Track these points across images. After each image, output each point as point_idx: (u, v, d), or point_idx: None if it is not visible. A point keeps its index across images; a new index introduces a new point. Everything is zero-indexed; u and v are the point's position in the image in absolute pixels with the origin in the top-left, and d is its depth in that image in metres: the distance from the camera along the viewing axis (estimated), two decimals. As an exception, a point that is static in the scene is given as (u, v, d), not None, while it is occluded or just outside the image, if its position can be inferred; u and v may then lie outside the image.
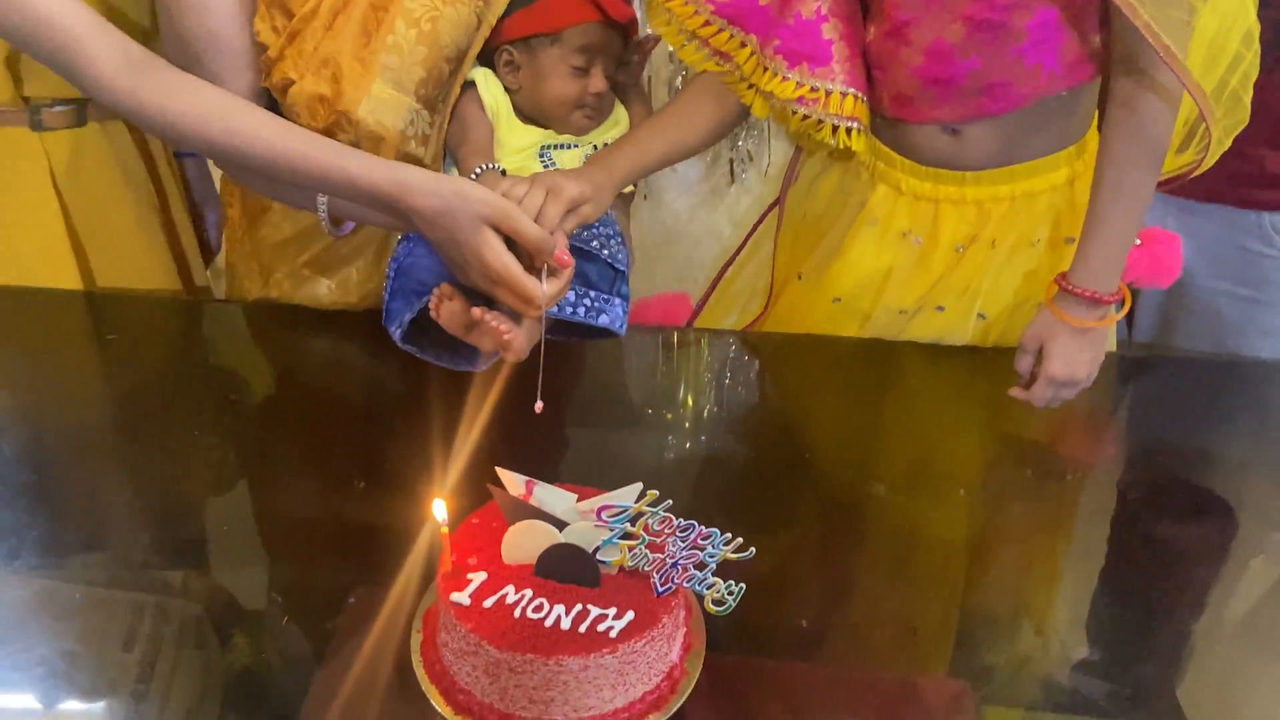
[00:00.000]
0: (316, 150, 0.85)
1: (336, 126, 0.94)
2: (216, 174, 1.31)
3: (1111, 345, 1.10)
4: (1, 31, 0.86)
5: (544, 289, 0.82)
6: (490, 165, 0.97)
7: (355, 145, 0.92)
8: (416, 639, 0.72)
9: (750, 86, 1.01)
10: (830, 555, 0.89)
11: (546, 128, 1.02)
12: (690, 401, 1.08)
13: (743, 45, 1.00)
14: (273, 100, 0.96)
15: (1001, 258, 1.05)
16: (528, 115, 1.02)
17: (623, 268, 0.99)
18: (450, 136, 1.00)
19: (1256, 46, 0.93)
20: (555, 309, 0.92)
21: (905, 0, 0.95)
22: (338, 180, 0.85)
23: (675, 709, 0.68)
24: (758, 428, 1.05)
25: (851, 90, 0.99)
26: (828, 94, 0.98)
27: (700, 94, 1.04)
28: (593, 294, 0.97)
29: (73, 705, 0.71)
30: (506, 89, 1.01)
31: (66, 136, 1.11)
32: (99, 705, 0.71)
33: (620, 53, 1.03)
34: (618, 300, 0.99)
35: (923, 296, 1.08)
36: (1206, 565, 0.89)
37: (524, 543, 0.69)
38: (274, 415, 1.03)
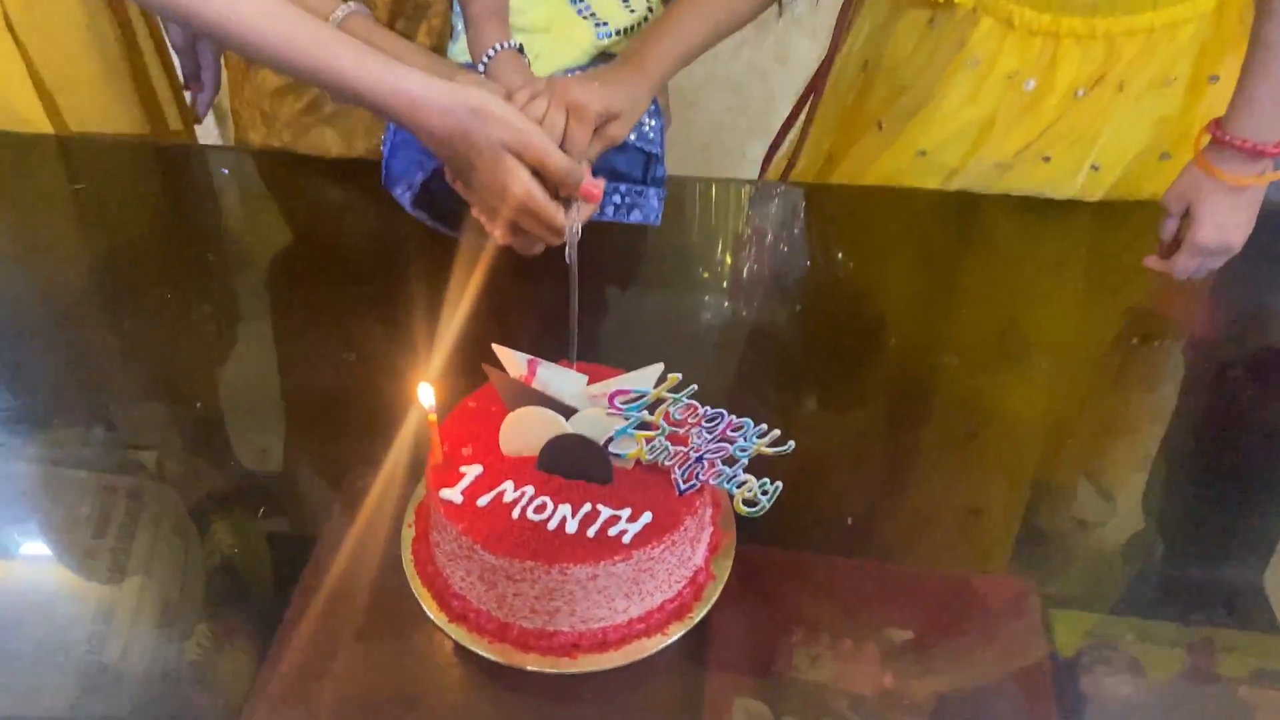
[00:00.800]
0: (303, 41, 0.73)
1: None
2: None
3: None
4: None
5: (571, 226, 0.72)
6: (508, 44, 0.82)
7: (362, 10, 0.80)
8: (408, 535, 0.66)
9: None
10: (882, 439, 0.81)
11: None
12: (725, 266, 0.98)
13: None
14: None
15: (1128, 101, 0.91)
16: None
17: (656, 149, 0.88)
18: None
19: None
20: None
21: None
22: (328, 81, 0.74)
23: (699, 618, 0.62)
24: (807, 297, 0.95)
25: None
26: None
27: None
28: (623, 188, 0.87)
29: (38, 595, 0.67)
30: None
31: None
32: (67, 594, 0.67)
33: None
34: (651, 190, 0.88)
35: (1026, 145, 0.95)
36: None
37: (525, 432, 0.62)
38: (255, 278, 0.95)
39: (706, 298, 0.94)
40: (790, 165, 1.11)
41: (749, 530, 0.66)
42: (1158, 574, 0.71)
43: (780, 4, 0.91)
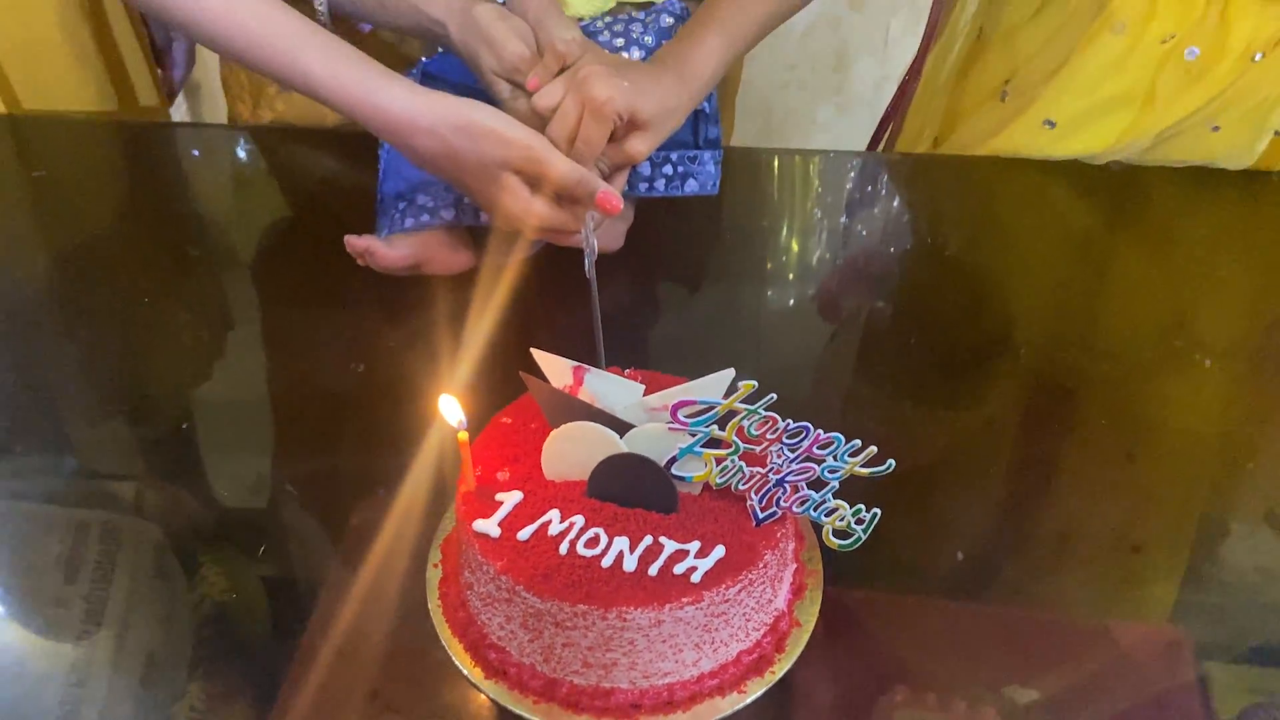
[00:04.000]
0: (271, 38, 0.77)
1: None
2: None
3: None
4: None
5: (589, 240, 0.72)
6: None
7: None
8: (434, 575, 0.67)
9: None
10: (1007, 458, 0.80)
11: None
12: (807, 253, 0.98)
13: None
14: None
15: None
16: None
17: (707, 106, 0.88)
18: None
19: None
20: (627, 187, 0.84)
21: None
22: (299, 85, 0.77)
23: (782, 672, 0.62)
24: (913, 288, 0.95)
25: None
26: None
27: None
28: (674, 155, 0.88)
29: (2, 652, 0.69)
30: None
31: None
32: (36, 651, 0.69)
33: None
34: (707, 154, 0.90)
35: (1191, 114, 0.95)
36: None
37: (571, 452, 0.62)
38: (244, 276, 0.96)
39: (784, 292, 0.94)
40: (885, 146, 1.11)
41: (840, 568, 0.66)
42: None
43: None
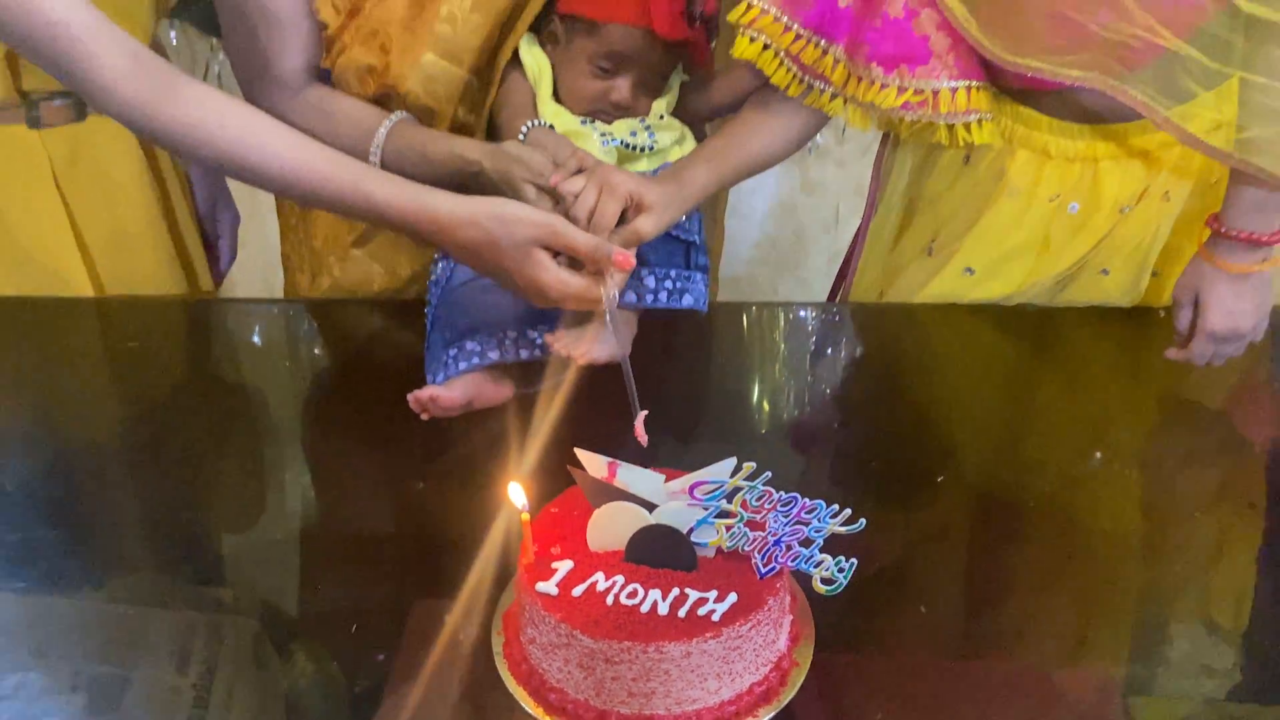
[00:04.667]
0: (337, 172, 0.95)
1: (386, 97, 1.05)
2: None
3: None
4: (7, 36, 0.97)
5: (609, 295, 0.91)
6: (537, 122, 1.07)
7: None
8: (498, 642, 0.81)
9: (845, 100, 1.06)
10: (955, 532, 0.97)
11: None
12: (788, 378, 1.17)
13: (834, 61, 1.04)
14: (326, 74, 1.09)
15: (1176, 208, 1.11)
16: (559, 97, 1.12)
17: (696, 238, 1.09)
18: (495, 104, 1.11)
19: None
20: (634, 298, 1.04)
21: None
22: (359, 207, 0.95)
23: (787, 701, 0.77)
24: (869, 416, 1.14)
25: (963, 83, 1.02)
26: (935, 94, 1.02)
27: (775, 106, 1.10)
28: (673, 273, 1.08)
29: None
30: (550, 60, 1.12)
31: (66, 133, 1.22)
32: (157, 732, 0.81)
33: (666, 72, 1.12)
34: (698, 275, 1.09)
35: (1081, 260, 1.15)
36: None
37: (611, 527, 0.78)
38: (321, 415, 1.13)
39: (775, 416, 1.12)
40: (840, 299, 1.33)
41: (827, 625, 0.81)
42: (1240, 670, 0.85)
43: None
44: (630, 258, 0.94)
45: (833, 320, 1.30)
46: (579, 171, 1.00)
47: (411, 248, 1.21)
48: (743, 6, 1.04)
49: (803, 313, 1.29)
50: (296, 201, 1.12)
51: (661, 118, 1.13)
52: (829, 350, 1.24)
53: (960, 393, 1.17)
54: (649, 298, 1.07)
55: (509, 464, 0.94)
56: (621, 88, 1.08)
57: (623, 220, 0.99)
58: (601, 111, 1.10)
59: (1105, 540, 0.96)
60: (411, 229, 0.95)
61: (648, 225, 0.99)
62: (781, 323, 1.27)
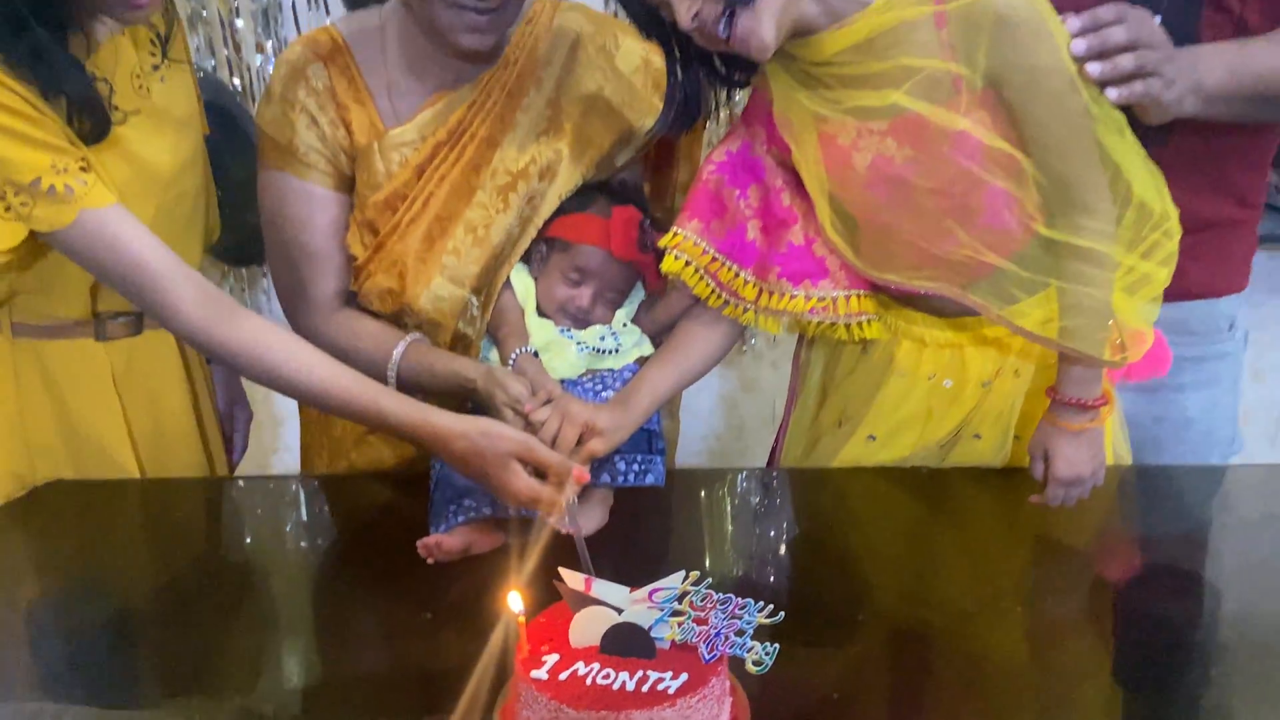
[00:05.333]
0: (359, 390, 1.23)
1: (402, 313, 1.34)
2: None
3: (1125, 459, 1.45)
4: (99, 272, 1.25)
5: (568, 502, 1.16)
6: (524, 349, 1.35)
7: (418, 329, 1.33)
8: (498, 728, 1.01)
9: (759, 313, 1.34)
10: (872, 661, 1.17)
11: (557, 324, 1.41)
12: (734, 532, 1.40)
13: (744, 281, 1.33)
14: (353, 296, 1.38)
15: (1024, 383, 1.40)
16: (541, 311, 1.41)
17: (656, 427, 1.36)
18: (491, 320, 1.39)
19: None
20: (608, 477, 1.30)
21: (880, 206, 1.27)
22: (374, 418, 1.23)
23: (730, 765, 0.97)
24: (799, 549, 1.38)
25: (854, 291, 1.33)
26: (834, 300, 1.32)
27: (703, 324, 1.39)
28: (639, 458, 1.34)
29: None
30: (533, 276, 1.42)
31: (124, 345, 1.48)
32: None
33: (624, 287, 1.42)
34: (658, 458, 1.36)
35: (958, 427, 1.42)
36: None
37: (588, 627, 1.00)
38: (342, 567, 1.34)
39: (719, 562, 1.34)
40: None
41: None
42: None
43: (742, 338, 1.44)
44: (585, 473, 1.19)
45: (768, 483, 1.55)
46: (548, 401, 1.27)
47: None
48: (671, 232, 1.34)
49: (743, 477, 1.54)
50: (323, 410, 1.38)
51: (625, 325, 1.42)
52: (764, 507, 1.49)
53: (871, 541, 1.41)
54: (620, 478, 1.33)
55: (504, 590, 1.15)
56: (585, 295, 1.38)
57: (583, 439, 1.26)
58: (573, 316, 1.38)
59: (995, 664, 1.15)
60: (415, 438, 1.22)
61: (600, 446, 1.26)
62: (726, 485, 1.52)
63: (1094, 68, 1.14)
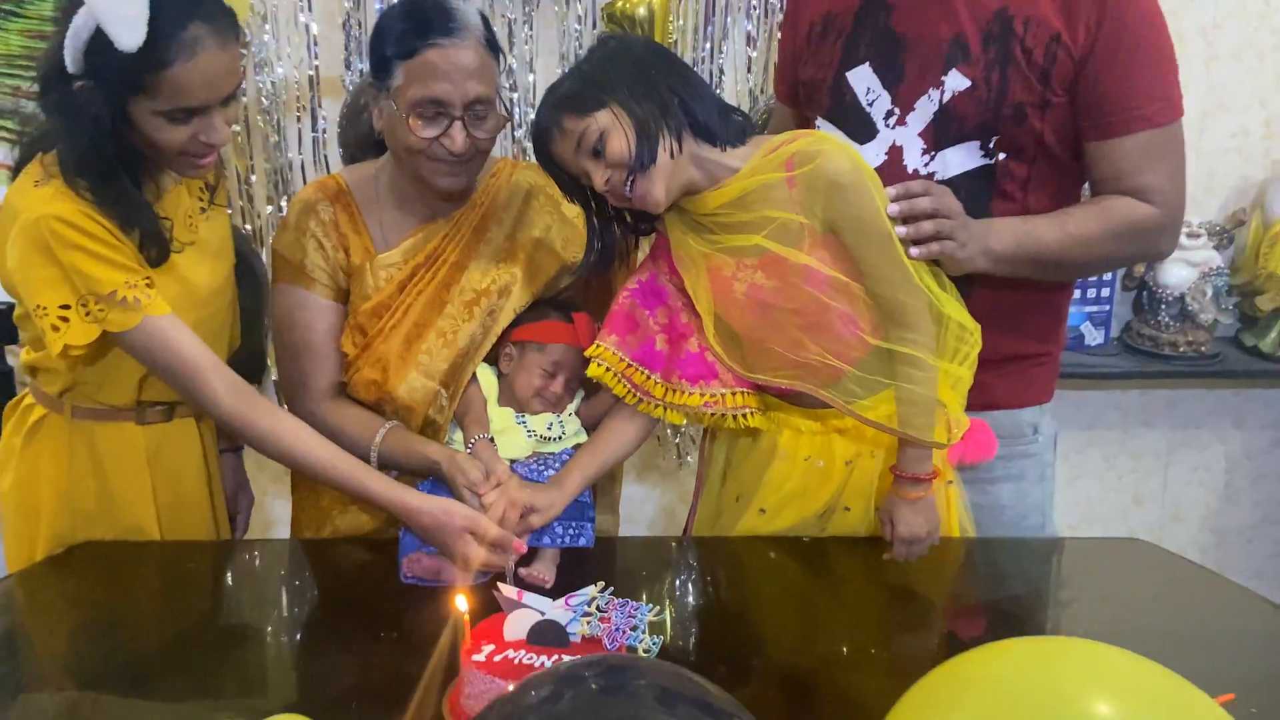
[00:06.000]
0: (349, 469, 1.60)
1: (383, 401, 1.68)
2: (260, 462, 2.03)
3: (970, 532, 1.78)
4: (152, 365, 1.61)
5: (512, 570, 1.52)
6: (481, 436, 1.70)
7: (396, 415, 1.69)
8: (445, 704, 1.31)
9: (666, 407, 1.65)
10: (767, 704, 1.39)
11: (519, 411, 1.75)
12: (647, 596, 1.70)
13: (654, 382, 1.64)
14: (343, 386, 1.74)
15: (880, 464, 1.71)
16: (507, 398, 1.76)
17: (588, 498, 1.69)
18: (458, 408, 1.74)
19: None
20: (549, 540, 1.63)
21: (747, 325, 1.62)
22: (359, 493, 1.60)
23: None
24: (701, 605, 1.68)
25: (739, 389, 1.65)
26: (721, 396, 1.64)
27: (622, 419, 1.71)
28: (573, 524, 1.67)
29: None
30: (501, 373, 1.76)
31: (158, 429, 1.81)
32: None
33: (583, 374, 1.72)
34: (588, 524, 1.68)
35: (831, 501, 1.73)
36: None
37: (519, 624, 1.31)
38: (325, 612, 1.64)
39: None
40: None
41: None
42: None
43: (679, 452, 1.78)
44: (523, 545, 1.55)
45: (681, 548, 1.88)
46: (498, 485, 1.61)
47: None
48: (596, 344, 1.68)
49: (660, 544, 1.86)
50: (317, 482, 1.71)
51: (570, 415, 1.77)
52: (677, 568, 1.81)
53: (764, 599, 1.71)
54: (558, 540, 1.66)
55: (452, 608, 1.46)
56: (559, 383, 1.73)
57: (524, 516, 1.59)
58: (548, 401, 1.73)
59: (864, 697, 1.33)
60: (389, 509, 1.58)
61: (537, 521, 1.60)
62: (647, 549, 1.84)
63: (901, 230, 1.54)
